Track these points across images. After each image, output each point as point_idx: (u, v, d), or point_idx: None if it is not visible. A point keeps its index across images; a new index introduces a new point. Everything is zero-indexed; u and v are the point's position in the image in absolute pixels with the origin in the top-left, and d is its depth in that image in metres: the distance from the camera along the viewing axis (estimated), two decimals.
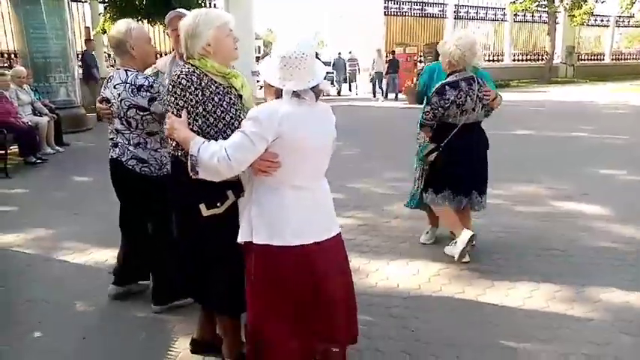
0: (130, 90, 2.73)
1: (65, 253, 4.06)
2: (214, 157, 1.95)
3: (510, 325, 2.94)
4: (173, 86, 2.17)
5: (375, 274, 3.63)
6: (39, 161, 7.33)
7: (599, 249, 4.01)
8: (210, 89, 2.19)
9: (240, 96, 2.28)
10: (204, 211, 2.17)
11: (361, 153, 7.91)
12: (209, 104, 2.17)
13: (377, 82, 17.73)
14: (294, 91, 1.97)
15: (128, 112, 2.77)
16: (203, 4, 12.72)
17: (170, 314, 3.09)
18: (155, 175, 2.87)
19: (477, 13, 23.36)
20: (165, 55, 3.52)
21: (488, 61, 23.40)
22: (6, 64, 12.91)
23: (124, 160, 2.87)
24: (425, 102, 3.82)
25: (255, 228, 2.04)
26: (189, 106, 2.14)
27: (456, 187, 3.73)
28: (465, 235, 3.64)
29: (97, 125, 10.32)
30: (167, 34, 3.39)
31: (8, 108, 7.07)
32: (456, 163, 3.64)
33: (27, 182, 6.43)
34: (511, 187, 5.79)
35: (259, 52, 33.98)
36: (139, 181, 2.88)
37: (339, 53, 20.00)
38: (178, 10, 2.99)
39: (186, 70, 2.18)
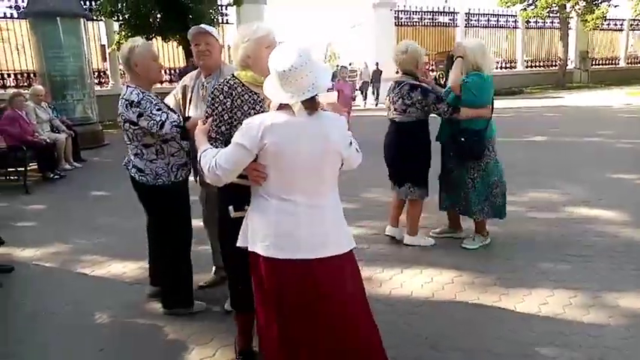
0: (124, 105, 2.90)
1: (84, 267, 4.14)
2: (206, 166, 2.06)
3: (526, 331, 2.91)
4: (210, 95, 2.40)
5: (388, 282, 3.63)
6: (57, 177, 7.49)
7: (615, 254, 3.96)
8: (242, 98, 2.35)
9: None
10: (232, 213, 2.27)
11: (373, 162, 7.89)
12: (237, 112, 2.34)
13: (364, 91, 19.84)
14: (281, 104, 2.00)
15: (124, 126, 2.96)
16: (216, 20, 12.92)
17: (185, 327, 3.12)
18: (151, 184, 3.02)
19: (488, 21, 23.31)
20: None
21: (501, 68, 23.31)
22: (25, 84, 13.24)
23: (129, 168, 3.09)
24: None
25: (248, 233, 2.13)
26: (216, 113, 2.34)
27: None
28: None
29: (113, 141, 10.54)
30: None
31: (25, 127, 7.24)
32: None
33: (46, 198, 6.56)
34: (526, 192, 5.76)
35: None
36: (139, 187, 3.10)
37: (338, 65, 20.25)
38: (201, 26, 3.08)
39: (222, 81, 2.40)
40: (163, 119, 2.83)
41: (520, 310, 3.16)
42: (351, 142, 2.15)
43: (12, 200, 6.38)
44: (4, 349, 2.94)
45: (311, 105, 1.98)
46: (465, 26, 22.48)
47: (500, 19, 23.64)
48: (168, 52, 15.11)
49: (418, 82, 4.10)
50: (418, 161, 4.17)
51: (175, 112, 3.05)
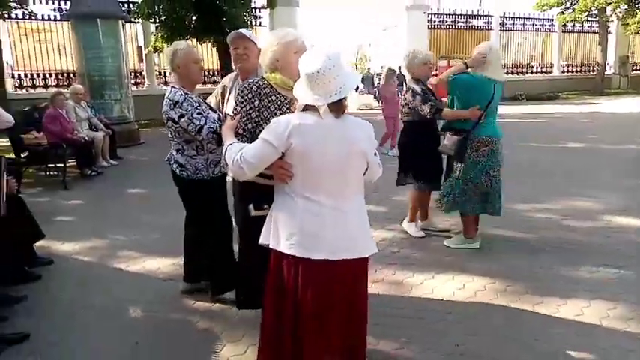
0: (168, 104, 3.03)
1: (119, 262, 4.25)
2: (231, 159, 2.13)
3: (560, 342, 2.85)
4: (237, 94, 2.50)
5: (419, 287, 3.61)
6: (95, 174, 7.70)
7: None
8: (270, 99, 2.45)
9: None
10: (252, 212, 2.35)
11: None
12: (264, 112, 2.44)
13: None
14: (305, 105, 2.05)
15: (167, 123, 3.10)
16: (249, 23, 13.08)
17: (218, 323, 3.19)
18: (191, 179, 3.16)
19: (523, 24, 22.88)
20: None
21: (536, 72, 22.84)
22: (65, 83, 13.68)
23: (170, 163, 3.24)
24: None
25: (271, 232, 2.18)
26: (244, 111, 2.43)
27: None
28: None
29: (148, 140, 10.79)
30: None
31: (65, 125, 7.48)
32: None
33: (84, 194, 6.76)
34: (561, 200, 5.64)
35: None
36: (179, 182, 3.23)
37: (369, 68, 20.29)
38: (240, 30, 3.18)
39: (251, 80, 2.49)
40: (202, 124, 2.93)
41: (555, 321, 3.09)
42: (375, 154, 2.19)
43: (52, 195, 6.60)
44: (44, 338, 3.05)
45: (337, 108, 2.02)
46: (500, 29, 22.12)
47: (536, 22, 23.16)
48: (203, 54, 15.37)
49: (418, 86, 4.38)
50: (419, 158, 4.45)
51: (215, 111, 3.15)
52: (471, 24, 21.78)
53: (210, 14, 11.77)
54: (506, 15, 22.27)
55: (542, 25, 23.35)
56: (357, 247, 2.13)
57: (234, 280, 3.29)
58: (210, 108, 3.18)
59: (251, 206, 2.37)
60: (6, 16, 11.38)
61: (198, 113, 2.97)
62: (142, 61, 15.85)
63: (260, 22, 16.88)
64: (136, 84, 15.07)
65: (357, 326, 2.26)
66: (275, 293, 2.21)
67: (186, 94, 3.03)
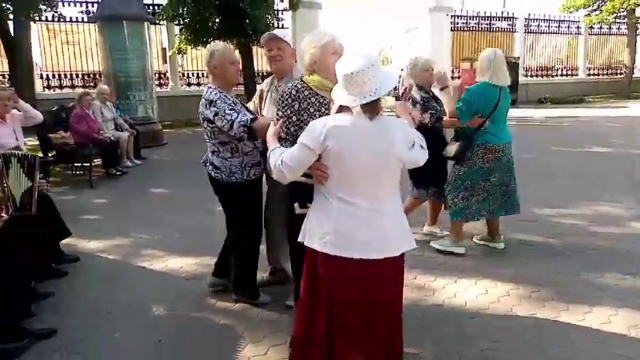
0: (204, 104, 3.08)
1: (143, 260, 4.31)
2: (274, 164, 2.19)
3: (585, 351, 2.80)
4: (278, 99, 2.58)
5: (442, 291, 3.58)
6: (119, 173, 7.83)
7: None
8: (309, 101, 2.51)
9: None
10: (297, 210, 2.42)
11: None
12: (304, 114, 2.51)
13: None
14: (341, 106, 2.08)
15: (203, 124, 3.14)
16: (272, 25, 13.16)
17: (240, 322, 3.22)
18: (225, 181, 3.18)
19: (548, 26, 22.49)
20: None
21: (562, 75, 22.44)
22: (91, 84, 13.95)
23: (207, 165, 3.26)
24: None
25: (307, 230, 2.22)
26: (285, 115, 2.50)
27: None
28: None
29: (171, 141, 10.93)
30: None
31: (92, 125, 7.62)
32: None
33: (108, 193, 6.88)
34: (586, 205, 5.53)
35: None
36: (214, 183, 3.27)
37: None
38: (273, 32, 3.22)
39: (290, 85, 2.56)
40: (233, 119, 2.96)
41: (580, 329, 3.03)
42: (414, 143, 2.15)
43: (78, 194, 6.74)
44: (70, 334, 3.11)
45: (370, 109, 2.03)
46: (524, 32, 21.80)
47: (561, 24, 22.76)
48: None
49: (419, 94, 4.35)
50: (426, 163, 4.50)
51: (252, 113, 3.16)
52: (494, 26, 21.51)
53: (233, 16, 11.89)
54: (531, 17, 21.95)
55: (569, 27, 22.91)
56: (389, 247, 2.13)
57: (253, 287, 3.45)
58: (247, 109, 3.19)
59: (296, 204, 2.44)
60: (36, 18, 11.64)
61: (231, 109, 3.00)
62: (165, 62, 16.05)
63: (282, 25, 16.94)
64: (160, 85, 15.26)
65: (391, 326, 2.25)
66: (309, 290, 2.25)
67: (220, 92, 3.08)
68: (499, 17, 21.53)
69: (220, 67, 3.12)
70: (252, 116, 3.02)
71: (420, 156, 2.17)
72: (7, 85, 5.51)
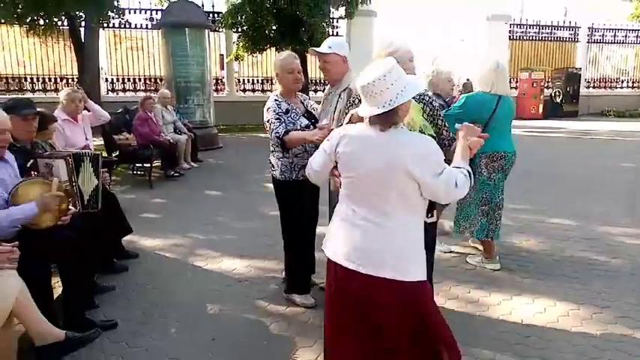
0: (266, 109, 3.35)
1: (198, 260, 4.45)
2: (307, 164, 2.40)
3: None
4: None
5: (496, 307, 3.48)
6: (177, 175, 8.10)
7: None
8: None
9: None
10: (426, 219, 2.40)
11: None
12: None
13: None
14: (359, 116, 2.15)
15: (265, 125, 3.38)
16: (327, 33, 13.28)
17: (291, 325, 3.25)
18: (277, 179, 3.44)
19: (614, 36, 21.50)
20: None
21: (627, 87, 21.37)
22: (152, 88, 14.55)
23: (268, 163, 3.52)
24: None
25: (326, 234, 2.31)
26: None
27: None
28: None
29: (226, 144, 11.21)
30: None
31: (153, 127, 7.94)
32: None
33: (167, 193, 7.13)
34: None
35: None
36: (272, 180, 3.54)
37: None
38: (318, 49, 3.33)
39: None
40: (273, 128, 3.24)
41: None
42: (441, 172, 1.99)
43: (138, 193, 7.03)
44: (129, 327, 3.25)
45: (380, 120, 2.00)
46: (588, 42, 20.94)
47: (629, 34, 21.69)
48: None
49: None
50: None
51: (313, 119, 3.41)
52: (555, 35, 20.80)
53: (290, 24, 12.10)
54: (594, 27, 21.06)
55: (637, 36, 21.83)
56: (370, 264, 2.01)
57: (302, 285, 3.57)
58: (309, 117, 3.40)
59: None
60: (105, 25, 12.28)
61: (277, 119, 3.24)
62: (222, 68, 16.51)
63: (337, 32, 17.06)
64: (217, 90, 15.70)
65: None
66: (326, 296, 2.30)
67: (277, 100, 3.32)
68: (561, 26, 20.78)
69: (281, 76, 3.35)
70: (306, 128, 3.26)
71: (441, 186, 1.99)
72: (78, 87, 5.83)
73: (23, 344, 2.78)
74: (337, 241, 2.15)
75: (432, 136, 2.48)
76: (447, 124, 2.73)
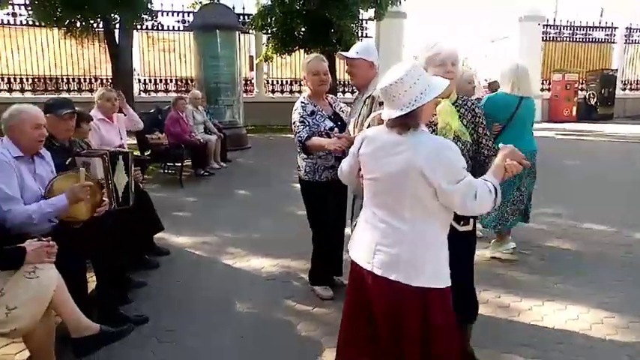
0: (293, 110, 3.46)
1: (227, 258, 4.51)
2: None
3: None
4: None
5: (527, 313, 3.42)
6: (207, 174, 8.23)
7: None
8: None
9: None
10: (459, 228, 2.44)
11: None
12: None
13: None
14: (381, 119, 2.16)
15: (292, 125, 3.47)
16: (357, 35, 13.28)
17: (319, 326, 3.27)
18: (302, 179, 3.56)
19: None
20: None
21: None
22: (183, 89, 14.81)
23: (295, 164, 3.62)
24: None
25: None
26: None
27: None
28: None
29: (255, 145, 11.31)
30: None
31: (184, 127, 8.08)
32: None
33: (197, 192, 7.24)
34: None
35: None
36: (299, 180, 3.64)
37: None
38: (346, 54, 3.31)
39: None
40: (297, 131, 3.36)
41: None
42: (460, 180, 1.92)
43: (169, 191, 7.16)
44: (160, 323, 3.31)
45: (398, 123, 1.97)
46: (625, 42, 20.32)
47: None
48: None
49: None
50: None
51: (339, 121, 3.49)
52: (590, 36, 20.25)
53: (319, 26, 12.15)
54: (632, 27, 20.42)
55: None
56: (401, 270, 1.98)
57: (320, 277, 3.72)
58: (336, 120, 3.48)
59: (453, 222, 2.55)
60: (138, 27, 12.57)
61: (301, 122, 3.36)
62: (252, 69, 16.67)
63: (366, 34, 17.03)
64: (246, 91, 15.87)
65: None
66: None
67: (303, 102, 3.42)
68: (597, 27, 20.22)
69: (307, 79, 3.46)
70: (309, 133, 3.33)
71: (457, 195, 1.91)
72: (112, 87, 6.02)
73: (60, 334, 2.87)
74: (359, 243, 2.19)
75: (470, 143, 2.45)
76: (488, 133, 2.58)
